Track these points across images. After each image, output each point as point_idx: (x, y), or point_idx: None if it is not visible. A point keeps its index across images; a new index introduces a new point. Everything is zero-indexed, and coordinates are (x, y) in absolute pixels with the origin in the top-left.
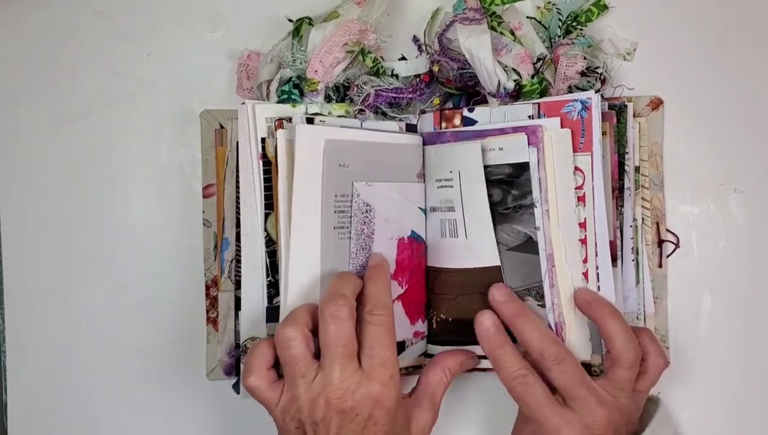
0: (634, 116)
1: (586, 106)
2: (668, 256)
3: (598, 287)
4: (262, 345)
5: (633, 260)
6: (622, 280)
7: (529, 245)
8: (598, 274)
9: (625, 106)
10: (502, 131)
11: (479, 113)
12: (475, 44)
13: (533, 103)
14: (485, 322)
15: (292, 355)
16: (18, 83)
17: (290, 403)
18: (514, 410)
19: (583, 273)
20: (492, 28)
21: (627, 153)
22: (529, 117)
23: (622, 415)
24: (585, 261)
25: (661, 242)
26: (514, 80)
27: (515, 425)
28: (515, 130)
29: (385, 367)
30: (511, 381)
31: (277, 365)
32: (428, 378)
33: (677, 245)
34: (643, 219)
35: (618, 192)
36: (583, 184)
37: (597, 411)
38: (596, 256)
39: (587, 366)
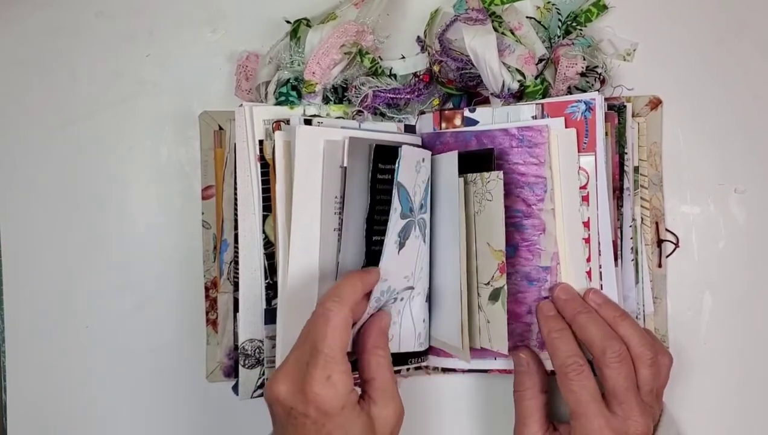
0: (633, 116)
1: (589, 107)
2: (668, 256)
3: (601, 286)
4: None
5: (632, 260)
6: (622, 279)
7: None
8: (601, 272)
9: (624, 106)
10: (504, 131)
11: (481, 114)
12: (480, 45)
13: (537, 104)
14: (546, 306)
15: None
16: (18, 84)
17: None
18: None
19: (586, 272)
20: (493, 29)
21: (626, 153)
22: (533, 117)
23: (653, 421)
24: (588, 260)
25: (660, 242)
26: (518, 81)
27: (515, 430)
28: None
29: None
30: (565, 368)
31: None
32: (366, 372)
33: (677, 245)
34: (642, 219)
35: (618, 192)
36: (586, 184)
37: (640, 421)
38: (599, 255)
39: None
